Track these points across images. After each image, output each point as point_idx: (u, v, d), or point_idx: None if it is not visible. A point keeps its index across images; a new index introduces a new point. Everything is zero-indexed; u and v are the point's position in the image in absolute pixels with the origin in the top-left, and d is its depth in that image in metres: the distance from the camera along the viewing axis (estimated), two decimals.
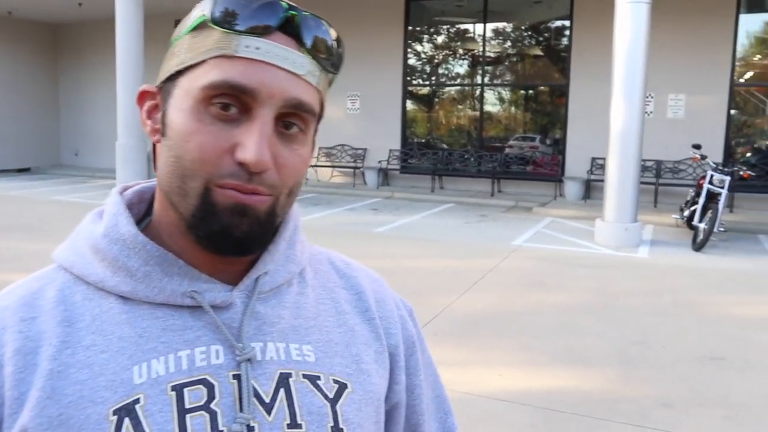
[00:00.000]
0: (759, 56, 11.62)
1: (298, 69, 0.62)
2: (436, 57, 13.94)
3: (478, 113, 13.45)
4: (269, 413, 0.64)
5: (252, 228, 0.62)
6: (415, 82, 14.02)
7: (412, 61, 13.84)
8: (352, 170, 13.94)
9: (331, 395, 0.68)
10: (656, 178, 11.30)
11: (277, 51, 0.61)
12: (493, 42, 13.27)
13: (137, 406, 0.60)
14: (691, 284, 6.46)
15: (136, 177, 11.55)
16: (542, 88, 13.24)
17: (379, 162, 13.62)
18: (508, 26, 13.19)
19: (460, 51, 13.71)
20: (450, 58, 13.87)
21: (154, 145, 0.70)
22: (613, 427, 3.47)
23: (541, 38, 13.13)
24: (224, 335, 0.65)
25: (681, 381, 4.10)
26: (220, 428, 0.61)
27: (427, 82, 14.11)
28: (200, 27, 0.62)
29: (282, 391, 0.65)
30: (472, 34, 13.44)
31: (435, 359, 0.88)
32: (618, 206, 8.26)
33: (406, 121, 13.88)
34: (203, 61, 0.61)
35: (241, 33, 0.60)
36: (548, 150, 12.98)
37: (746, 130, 11.72)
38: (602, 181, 8.97)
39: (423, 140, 14.13)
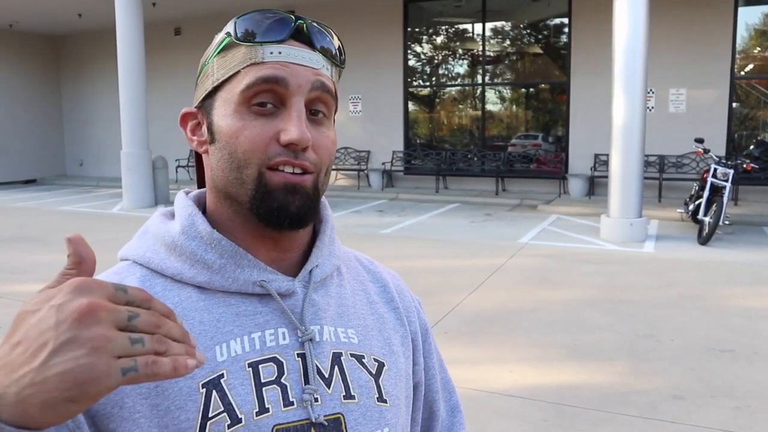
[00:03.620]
0: (759, 48, 11.64)
1: (315, 64, 0.72)
2: (436, 57, 13.98)
3: (479, 112, 13.49)
4: (329, 386, 0.73)
5: (304, 203, 0.72)
6: (416, 83, 14.07)
7: (412, 62, 13.89)
8: (356, 173, 13.99)
9: (373, 372, 0.78)
10: (660, 173, 11.33)
11: (296, 53, 0.71)
12: (492, 41, 13.31)
13: (222, 381, 0.69)
14: (698, 277, 6.49)
15: (142, 184, 11.61)
16: (543, 85, 13.28)
17: (383, 164, 13.66)
18: (507, 25, 13.23)
19: (460, 51, 13.76)
20: (450, 59, 13.91)
21: (197, 160, 0.84)
22: (624, 420, 3.51)
23: (540, 36, 13.17)
24: (289, 319, 0.74)
25: (690, 373, 4.13)
26: (290, 399, 0.71)
27: (428, 83, 14.15)
28: (226, 48, 0.72)
29: (336, 368, 0.75)
30: (471, 34, 13.49)
31: (447, 357, 0.95)
32: (622, 202, 8.30)
33: (409, 122, 13.93)
34: (236, 73, 0.71)
35: (264, 43, 0.70)
36: (551, 147, 13.01)
37: (748, 122, 11.74)
38: (606, 177, 9.00)
39: (426, 141, 14.18)
